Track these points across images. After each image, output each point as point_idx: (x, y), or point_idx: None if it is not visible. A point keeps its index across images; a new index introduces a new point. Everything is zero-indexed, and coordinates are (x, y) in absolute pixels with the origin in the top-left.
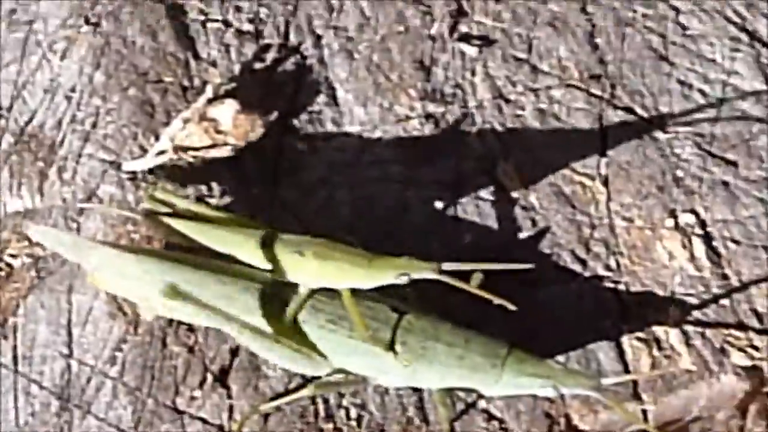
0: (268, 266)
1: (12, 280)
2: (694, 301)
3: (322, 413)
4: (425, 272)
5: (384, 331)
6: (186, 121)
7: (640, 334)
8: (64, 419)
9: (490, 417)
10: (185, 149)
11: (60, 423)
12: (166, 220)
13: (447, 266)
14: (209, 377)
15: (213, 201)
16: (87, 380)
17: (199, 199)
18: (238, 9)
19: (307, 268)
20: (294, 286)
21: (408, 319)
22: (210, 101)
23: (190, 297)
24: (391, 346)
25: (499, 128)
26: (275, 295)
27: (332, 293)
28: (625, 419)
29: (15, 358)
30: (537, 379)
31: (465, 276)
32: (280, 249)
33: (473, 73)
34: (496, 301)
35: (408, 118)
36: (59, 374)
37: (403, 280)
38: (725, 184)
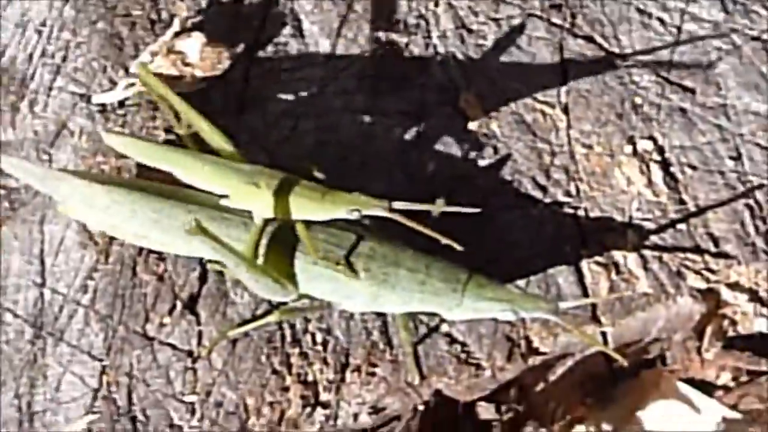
0: (226, 194)
1: None
2: (651, 225)
3: (288, 338)
4: (376, 209)
5: (348, 257)
6: (154, 54)
7: (599, 259)
8: (38, 346)
9: (453, 340)
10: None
11: (33, 350)
12: (122, 143)
13: (397, 205)
14: (178, 304)
15: (180, 131)
16: (59, 308)
17: (167, 131)
18: None
19: (262, 198)
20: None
21: (370, 245)
22: (177, 34)
23: (210, 234)
24: (353, 270)
25: (461, 58)
26: (240, 224)
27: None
28: (583, 341)
29: None
30: (497, 303)
31: (416, 212)
32: (237, 179)
33: (436, 4)
34: (444, 240)
35: (372, 49)
36: (32, 303)
37: (354, 215)
38: (683, 110)
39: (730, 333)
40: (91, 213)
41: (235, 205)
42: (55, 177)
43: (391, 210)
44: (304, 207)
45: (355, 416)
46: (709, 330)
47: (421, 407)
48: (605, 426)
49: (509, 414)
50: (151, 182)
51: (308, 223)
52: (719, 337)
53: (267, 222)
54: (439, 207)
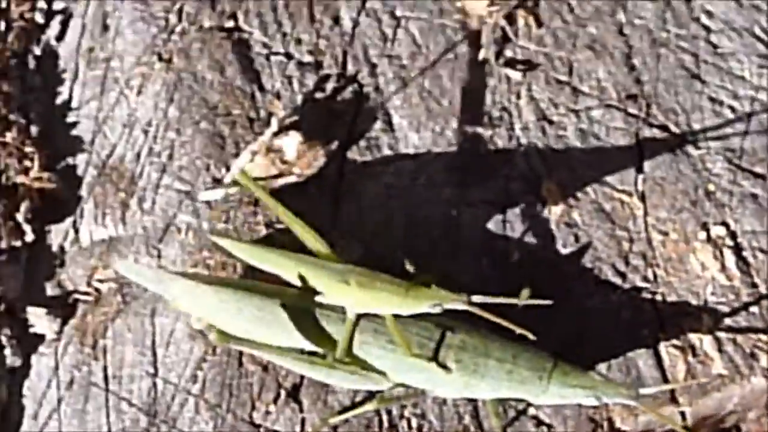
0: (321, 292)
1: (100, 304)
2: (725, 309)
3: (386, 423)
4: (456, 303)
5: (441, 350)
6: (254, 153)
7: (676, 342)
8: None
9: (539, 422)
10: (254, 179)
11: None
12: (228, 244)
13: (476, 298)
14: (282, 393)
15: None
16: (171, 397)
17: (268, 225)
18: (298, 42)
19: (352, 295)
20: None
21: (461, 337)
22: (275, 134)
23: (236, 339)
24: (444, 364)
25: (543, 148)
26: (338, 320)
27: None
28: (661, 422)
29: (105, 377)
30: (581, 390)
31: (491, 306)
32: (329, 277)
33: (518, 96)
34: (518, 331)
35: (458, 141)
36: (146, 392)
37: (437, 309)
38: (754, 196)
39: None
40: (200, 311)
41: (328, 302)
42: (166, 278)
43: (471, 303)
44: (390, 302)
45: None
46: None
47: None
48: None
49: None
50: (255, 282)
51: (401, 318)
52: None
53: (359, 317)
54: (513, 300)
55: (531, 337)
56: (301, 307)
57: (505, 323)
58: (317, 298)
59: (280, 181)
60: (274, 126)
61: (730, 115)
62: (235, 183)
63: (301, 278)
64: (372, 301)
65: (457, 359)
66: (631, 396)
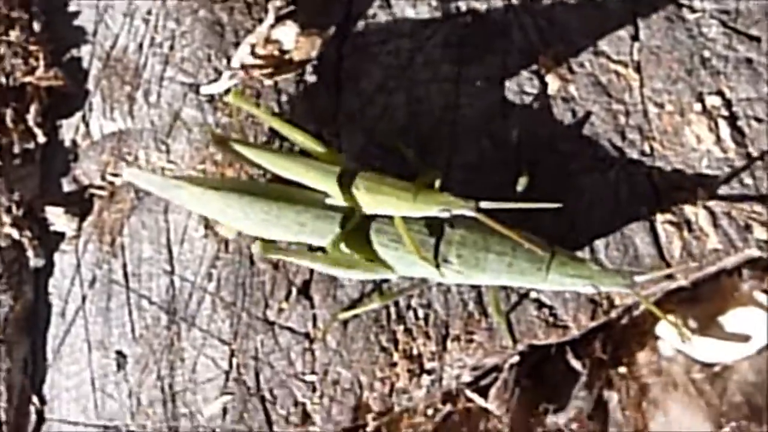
0: (330, 195)
1: (115, 200)
2: (721, 181)
3: (393, 316)
4: (464, 209)
5: (442, 245)
6: (252, 45)
7: (672, 218)
8: (173, 331)
9: (541, 305)
10: (254, 68)
11: (170, 335)
12: (234, 146)
13: (484, 204)
14: (294, 290)
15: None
16: (189, 295)
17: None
18: None
19: (362, 198)
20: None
21: (460, 233)
22: (272, 25)
23: (282, 251)
24: (446, 259)
25: (539, 19)
26: (341, 220)
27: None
28: (654, 314)
29: (125, 275)
30: (578, 279)
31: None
32: (336, 181)
33: None
34: (526, 245)
35: (454, 15)
36: (164, 290)
37: (445, 214)
38: (749, 61)
39: None
40: (208, 214)
41: (337, 203)
42: (173, 185)
43: (479, 210)
44: (399, 205)
45: (458, 377)
46: None
47: (515, 359)
48: (691, 323)
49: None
50: (261, 182)
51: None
52: None
53: (367, 217)
54: (521, 204)
55: (541, 253)
56: (309, 210)
57: (513, 235)
58: (327, 200)
59: (281, 75)
60: (271, 17)
61: None
62: (235, 74)
63: (309, 181)
64: (381, 205)
65: (458, 254)
66: (627, 284)
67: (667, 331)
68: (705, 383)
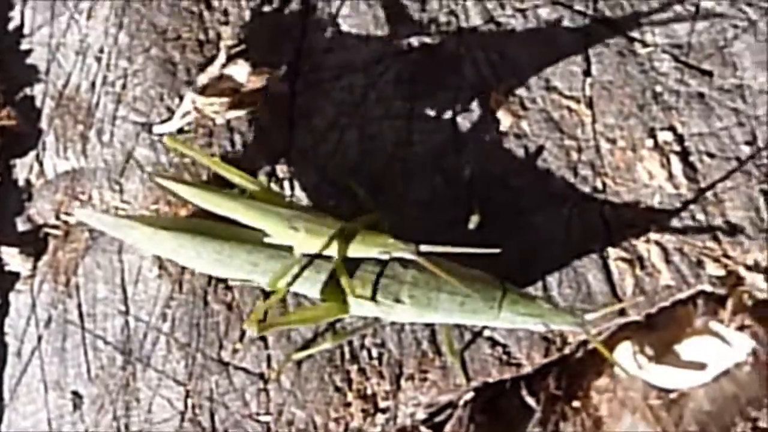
0: (270, 235)
1: (69, 240)
2: (672, 218)
3: (347, 355)
4: (403, 252)
5: (393, 285)
6: (204, 84)
7: (625, 255)
8: (129, 372)
9: (495, 343)
10: (206, 107)
11: (126, 375)
12: (170, 185)
13: (424, 248)
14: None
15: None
16: (144, 335)
17: (223, 157)
18: None
19: (301, 239)
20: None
21: (412, 273)
22: (224, 64)
23: (276, 322)
24: (399, 299)
25: (490, 54)
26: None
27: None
28: (604, 354)
29: (80, 315)
30: (530, 318)
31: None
32: (277, 222)
33: None
34: (459, 286)
35: (407, 51)
36: (119, 330)
37: (384, 257)
38: (701, 95)
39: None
40: (161, 253)
41: (278, 242)
42: (125, 225)
43: (419, 253)
44: (338, 247)
45: (412, 415)
46: (729, 303)
47: (470, 396)
48: (647, 350)
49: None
50: (212, 222)
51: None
52: (739, 309)
53: (306, 256)
54: (462, 249)
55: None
56: (260, 249)
57: (448, 278)
58: (266, 240)
59: (233, 113)
60: (222, 57)
61: (678, 7)
62: (188, 113)
63: (250, 222)
64: (319, 245)
65: (411, 294)
66: (577, 323)
67: (624, 356)
68: (662, 410)
